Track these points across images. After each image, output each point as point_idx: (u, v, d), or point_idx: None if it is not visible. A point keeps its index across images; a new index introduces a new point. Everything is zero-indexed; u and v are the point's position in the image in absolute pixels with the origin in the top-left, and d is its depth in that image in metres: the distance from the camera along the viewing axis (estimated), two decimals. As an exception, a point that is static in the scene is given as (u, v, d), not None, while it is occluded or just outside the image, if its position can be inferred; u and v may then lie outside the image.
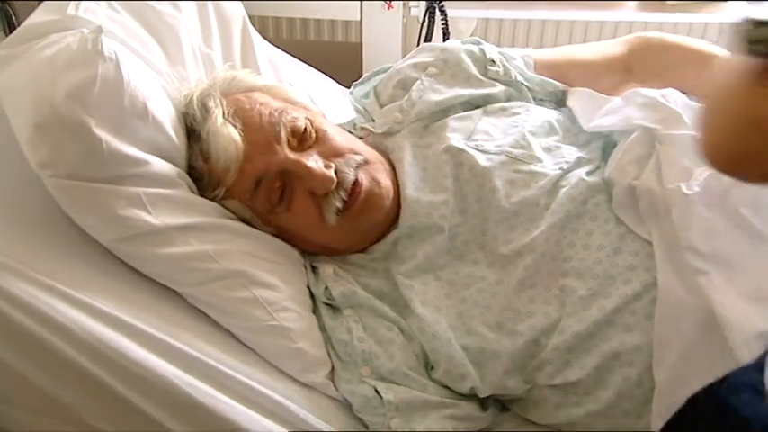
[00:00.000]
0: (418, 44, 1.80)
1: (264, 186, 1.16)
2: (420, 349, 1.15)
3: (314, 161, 1.16)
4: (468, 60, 1.38)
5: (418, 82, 1.35)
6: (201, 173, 1.17)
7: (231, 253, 1.13)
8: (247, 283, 1.12)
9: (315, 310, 1.19)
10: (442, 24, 1.77)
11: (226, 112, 1.17)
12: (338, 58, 1.83)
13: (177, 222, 1.10)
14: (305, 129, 1.19)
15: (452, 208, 1.21)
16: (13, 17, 1.52)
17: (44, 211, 1.08)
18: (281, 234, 1.21)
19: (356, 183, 1.17)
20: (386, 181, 1.22)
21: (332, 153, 1.19)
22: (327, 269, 1.22)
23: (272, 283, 1.14)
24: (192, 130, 1.19)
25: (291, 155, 1.16)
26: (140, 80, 1.13)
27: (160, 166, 1.12)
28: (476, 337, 1.12)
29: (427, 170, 1.25)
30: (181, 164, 1.18)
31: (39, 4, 1.26)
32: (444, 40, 1.78)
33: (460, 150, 1.23)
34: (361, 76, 1.54)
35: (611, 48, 1.43)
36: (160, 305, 1.10)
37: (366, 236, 1.23)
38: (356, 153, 1.21)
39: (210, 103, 1.18)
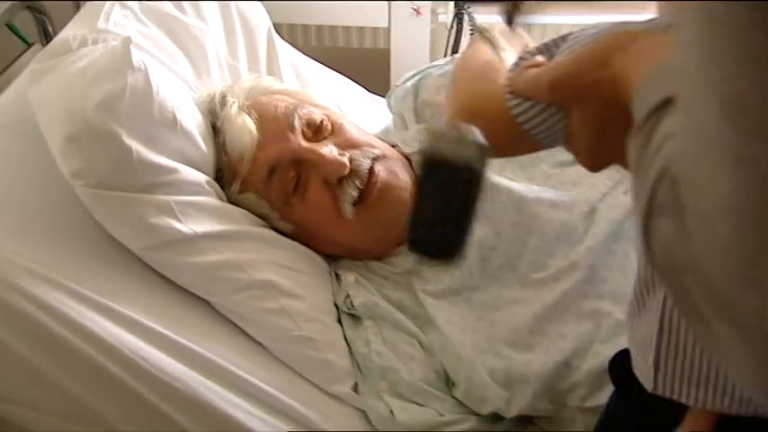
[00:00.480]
0: (446, 51, 1.81)
1: (278, 176, 1.17)
2: (440, 366, 1.13)
3: (327, 149, 1.17)
4: None
5: None
6: (222, 167, 1.20)
7: (260, 263, 1.14)
8: (275, 293, 1.13)
9: (339, 320, 1.19)
10: (471, 31, 1.76)
11: (242, 104, 1.21)
12: (366, 64, 1.84)
13: (207, 230, 1.11)
14: (321, 121, 1.21)
15: (485, 230, 1.20)
16: (50, 27, 1.55)
17: (76, 221, 1.10)
18: (300, 231, 1.21)
19: (372, 172, 1.18)
20: (404, 175, 1.22)
21: (347, 144, 1.20)
22: (349, 277, 1.22)
23: (299, 294, 1.15)
24: (214, 126, 1.22)
25: (305, 143, 1.18)
26: (169, 90, 1.14)
27: (189, 173, 1.14)
28: (505, 360, 1.10)
29: None
30: (209, 172, 1.20)
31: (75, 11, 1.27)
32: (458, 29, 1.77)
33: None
34: (388, 82, 1.53)
35: None
36: (189, 314, 1.11)
37: (387, 233, 1.21)
38: (373, 147, 1.22)
39: (229, 96, 1.23)
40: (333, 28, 1.84)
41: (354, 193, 1.17)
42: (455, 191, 0.64)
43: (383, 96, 1.59)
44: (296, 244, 1.22)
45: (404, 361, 1.13)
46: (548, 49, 0.71)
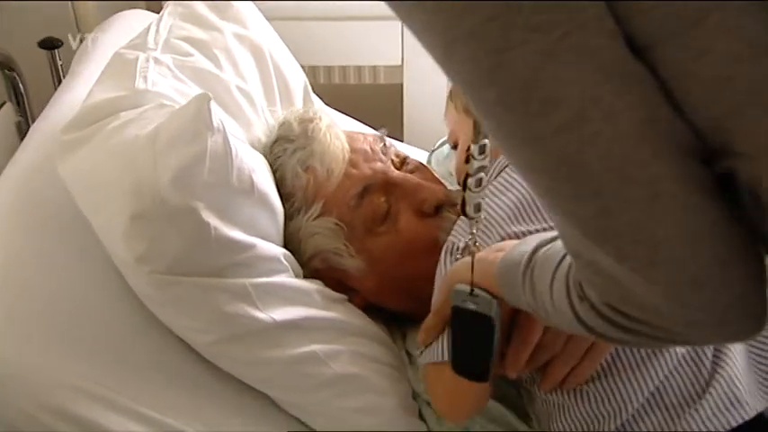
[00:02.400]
0: None
1: (370, 198, 1.14)
2: None
3: (419, 179, 1.17)
4: None
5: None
6: (295, 189, 1.15)
7: (342, 354, 1.07)
8: (360, 389, 1.06)
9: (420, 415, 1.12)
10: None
11: (329, 122, 1.20)
12: (378, 101, 1.79)
13: (287, 318, 1.04)
14: (405, 157, 1.21)
15: None
16: (20, 85, 1.44)
17: (126, 323, 1.03)
18: (372, 271, 1.15)
19: None
20: None
21: (435, 182, 1.20)
22: None
23: (385, 389, 1.09)
24: (286, 152, 1.18)
25: (397, 171, 1.17)
26: (244, 148, 1.07)
27: (266, 248, 1.06)
28: None
29: None
30: (281, 237, 1.15)
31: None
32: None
33: None
34: (401, 117, 1.48)
35: None
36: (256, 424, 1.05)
37: None
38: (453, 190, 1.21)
39: (310, 114, 1.22)
40: (344, 67, 1.82)
41: (455, 218, 1.10)
42: (480, 334, 0.87)
43: (398, 138, 1.53)
44: (374, 329, 1.15)
45: None
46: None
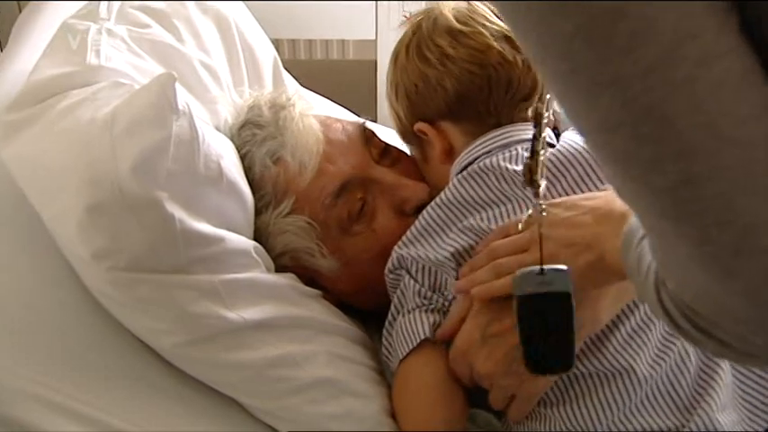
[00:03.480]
0: None
1: (347, 197, 1.09)
2: None
3: (400, 175, 1.12)
4: None
5: None
6: (264, 181, 1.11)
7: (318, 356, 1.03)
8: (338, 393, 1.02)
9: None
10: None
11: (302, 107, 1.14)
12: (351, 77, 1.74)
13: (258, 317, 0.99)
14: (386, 146, 1.16)
15: None
16: None
17: (78, 324, 0.99)
18: (346, 273, 1.12)
19: None
20: None
21: (416, 176, 1.15)
22: None
23: (365, 392, 1.05)
24: (255, 139, 1.13)
25: (376, 165, 1.12)
26: (211, 133, 1.02)
27: (235, 242, 1.02)
28: None
29: None
30: (251, 230, 1.10)
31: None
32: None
33: None
34: (375, 96, 1.43)
35: None
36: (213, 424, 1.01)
37: None
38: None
39: (282, 99, 1.15)
40: (311, 41, 1.78)
41: None
42: (559, 316, 0.80)
43: (371, 119, 1.48)
44: (351, 328, 1.11)
45: None
46: None
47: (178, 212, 0.92)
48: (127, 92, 0.97)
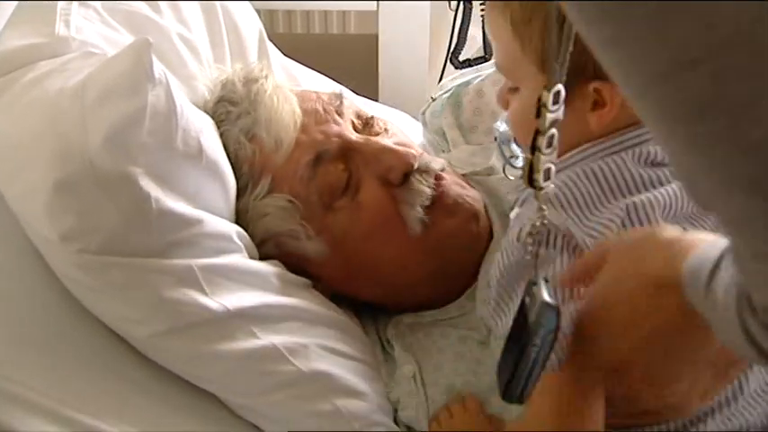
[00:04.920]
0: (450, 37, 1.64)
1: (325, 167, 1.06)
2: None
3: (386, 142, 1.09)
4: None
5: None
6: (240, 161, 1.09)
7: (306, 348, 1.01)
8: (327, 389, 1.00)
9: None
10: (482, 10, 1.60)
11: (276, 82, 1.13)
12: (347, 53, 1.73)
13: (240, 305, 0.98)
14: (371, 116, 1.13)
15: None
16: None
17: (46, 313, 0.97)
18: (337, 256, 1.09)
19: (439, 177, 1.08)
20: (474, 191, 1.14)
21: (405, 146, 1.11)
22: (407, 369, 1.08)
23: (357, 389, 1.03)
24: (229, 117, 1.11)
25: (357, 134, 1.10)
26: (190, 107, 1.00)
27: (216, 224, 1.00)
28: None
29: None
30: (232, 213, 1.09)
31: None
32: (485, 31, 1.61)
33: None
34: (376, 73, 1.40)
35: None
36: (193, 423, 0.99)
37: (446, 268, 1.10)
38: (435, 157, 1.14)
39: (256, 72, 1.14)
40: (308, 13, 1.74)
41: (429, 192, 1.05)
42: (542, 350, 0.75)
43: (372, 98, 1.49)
44: (343, 319, 1.09)
45: None
46: None
47: (154, 190, 0.91)
48: (98, 61, 0.96)
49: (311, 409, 0.99)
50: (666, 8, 0.42)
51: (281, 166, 1.07)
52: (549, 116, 0.70)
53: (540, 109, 0.71)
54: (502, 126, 1.05)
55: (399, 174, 1.05)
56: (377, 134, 1.11)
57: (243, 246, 1.03)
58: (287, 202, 1.07)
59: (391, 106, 1.54)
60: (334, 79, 1.50)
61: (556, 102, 0.70)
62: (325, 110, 1.10)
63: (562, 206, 0.85)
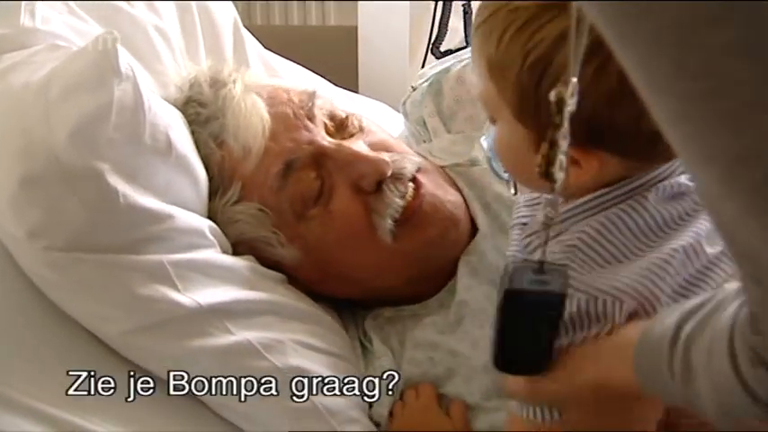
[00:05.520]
0: (431, 30, 1.64)
1: (296, 176, 1.05)
2: None
3: (359, 146, 1.07)
4: None
5: None
6: (210, 165, 1.07)
7: (282, 344, 1.00)
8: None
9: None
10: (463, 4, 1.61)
11: (245, 82, 1.10)
12: (327, 45, 1.72)
13: (213, 301, 0.97)
14: (346, 116, 1.11)
15: None
16: None
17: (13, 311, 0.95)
18: (310, 262, 1.09)
19: (417, 182, 1.07)
20: (454, 192, 1.12)
21: (381, 146, 1.09)
22: (384, 360, 1.08)
23: None
24: (199, 118, 1.09)
25: (330, 138, 1.07)
26: (159, 102, 0.99)
27: (187, 219, 1.00)
28: None
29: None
30: (204, 208, 1.08)
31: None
32: (466, 21, 1.61)
33: None
34: (356, 65, 1.40)
35: None
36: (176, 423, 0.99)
37: (427, 268, 1.10)
38: (411, 153, 1.12)
39: (224, 75, 1.12)
40: (286, 4, 1.74)
41: (399, 202, 1.04)
42: (545, 316, 0.76)
43: (352, 90, 1.47)
44: (319, 313, 1.09)
45: None
46: None
47: (121, 186, 0.90)
48: (64, 55, 0.96)
49: (288, 406, 0.98)
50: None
51: (250, 173, 1.06)
52: (566, 109, 0.67)
53: (558, 103, 0.67)
54: (486, 142, 1.05)
55: (371, 182, 1.04)
56: (351, 135, 1.10)
57: (215, 241, 1.02)
58: (257, 210, 1.06)
59: (371, 98, 1.54)
60: (313, 71, 1.50)
61: (572, 95, 0.67)
62: (295, 114, 1.07)
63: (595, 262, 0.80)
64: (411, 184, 1.06)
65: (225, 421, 1.00)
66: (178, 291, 0.94)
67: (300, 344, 1.02)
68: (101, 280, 0.92)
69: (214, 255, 1.01)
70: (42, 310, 0.96)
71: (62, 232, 0.89)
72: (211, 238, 1.02)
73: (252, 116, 1.05)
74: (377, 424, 1.04)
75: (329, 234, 1.06)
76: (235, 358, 0.97)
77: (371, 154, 1.05)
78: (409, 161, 1.08)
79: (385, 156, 1.06)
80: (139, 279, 0.92)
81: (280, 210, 1.06)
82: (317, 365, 1.01)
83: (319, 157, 1.05)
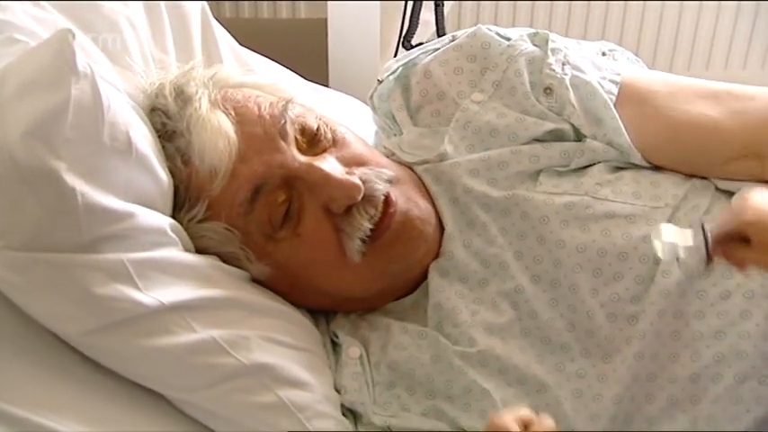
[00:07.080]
0: (402, 23, 1.64)
1: (264, 199, 1.04)
2: None
3: (330, 165, 1.05)
4: (526, 74, 1.17)
5: (463, 105, 1.18)
6: (177, 179, 1.07)
7: (248, 340, 1.00)
8: (270, 381, 1.00)
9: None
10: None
11: (213, 97, 1.08)
12: (297, 38, 1.69)
13: (176, 299, 0.97)
14: (318, 128, 1.09)
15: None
16: None
17: None
18: (280, 277, 1.09)
19: (388, 201, 1.07)
20: (425, 203, 1.12)
21: (354, 161, 1.09)
22: (352, 351, 1.09)
23: (301, 380, 1.03)
24: (165, 130, 1.08)
25: (301, 157, 1.05)
26: (119, 101, 0.98)
27: (148, 218, 0.99)
28: None
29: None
30: (168, 207, 1.06)
31: None
32: (438, 15, 1.61)
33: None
34: (326, 58, 1.39)
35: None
36: (144, 422, 0.99)
37: (397, 281, 1.12)
38: (382, 165, 1.11)
39: (191, 89, 1.09)
40: None
41: (368, 226, 1.04)
42: None
43: (322, 83, 1.45)
44: (287, 308, 1.09)
45: None
46: None
47: (79, 185, 0.89)
48: (21, 50, 0.95)
49: (254, 402, 0.99)
50: None
51: (217, 195, 1.04)
52: None
53: None
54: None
55: (341, 206, 1.04)
56: (324, 149, 1.08)
57: (178, 239, 1.02)
58: (224, 229, 1.06)
59: (342, 91, 1.54)
60: (282, 64, 1.50)
61: None
62: (266, 132, 1.06)
63: None
64: (382, 202, 1.06)
65: (193, 420, 1.00)
66: (139, 290, 0.94)
67: (267, 339, 1.02)
68: (59, 280, 0.91)
69: (176, 253, 1.01)
70: (6, 310, 0.95)
71: (19, 232, 0.89)
72: (173, 236, 1.01)
73: (218, 137, 1.04)
74: (352, 412, 1.05)
75: (298, 255, 1.06)
76: (199, 356, 0.97)
77: (343, 178, 1.04)
78: (381, 179, 1.07)
79: (356, 176, 1.05)
80: (99, 279, 0.92)
81: (247, 231, 1.05)
82: (284, 360, 1.01)
83: (290, 180, 1.04)
